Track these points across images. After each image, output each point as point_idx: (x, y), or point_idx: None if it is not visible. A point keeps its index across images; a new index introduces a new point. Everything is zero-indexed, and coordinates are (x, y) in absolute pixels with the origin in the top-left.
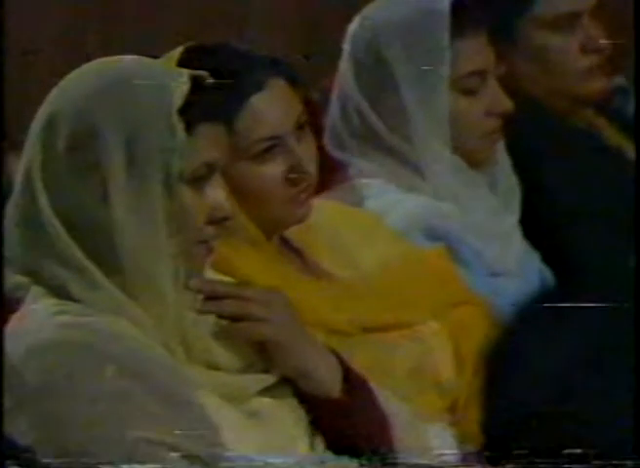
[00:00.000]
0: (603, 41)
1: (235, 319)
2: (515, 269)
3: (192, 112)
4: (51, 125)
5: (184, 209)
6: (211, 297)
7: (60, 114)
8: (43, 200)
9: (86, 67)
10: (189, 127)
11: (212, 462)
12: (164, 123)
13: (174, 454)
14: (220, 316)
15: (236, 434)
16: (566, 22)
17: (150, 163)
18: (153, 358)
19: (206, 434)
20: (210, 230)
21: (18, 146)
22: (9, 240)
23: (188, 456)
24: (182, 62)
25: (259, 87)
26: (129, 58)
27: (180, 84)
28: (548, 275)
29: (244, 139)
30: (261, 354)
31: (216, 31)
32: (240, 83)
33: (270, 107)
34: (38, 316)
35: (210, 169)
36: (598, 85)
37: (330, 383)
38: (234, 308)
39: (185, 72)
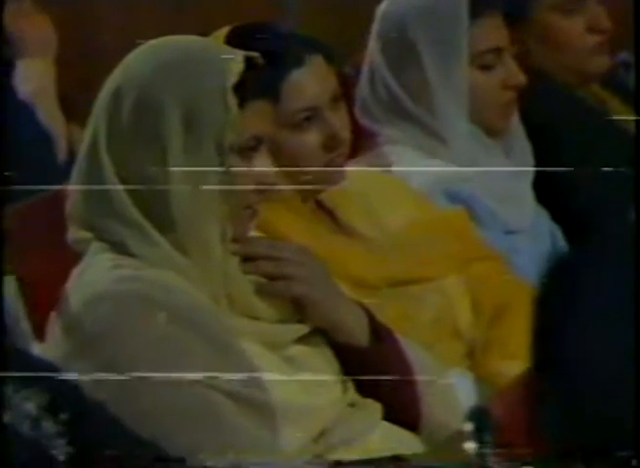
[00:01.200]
0: (606, 21)
1: (272, 278)
2: (528, 228)
3: (244, 89)
4: (116, 98)
5: (234, 175)
6: (250, 258)
7: (125, 88)
8: (107, 166)
9: (149, 45)
10: (241, 103)
11: (255, 403)
12: (219, 99)
13: (221, 396)
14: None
15: (275, 377)
16: (573, 5)
17: (205, 135)
18: (201, 308)
19: (252, 378)
20: (255, 196)
21: (82, 117)
22: (74, 200)
23: (234, 397)
24: (229, 41)
25: (299, 63)
26: (188, 38)
27: (235, 63)
28: (558, 233)
29: (285, 110)
30: (296, 307)
31: (259, 13)
32: (282, 60)
33: (309, 81)
34: (98, 269)
35: (258, 141)
36: (602, 61)
37: (358, 333)
38: (271, 268)
39: (240, 53)
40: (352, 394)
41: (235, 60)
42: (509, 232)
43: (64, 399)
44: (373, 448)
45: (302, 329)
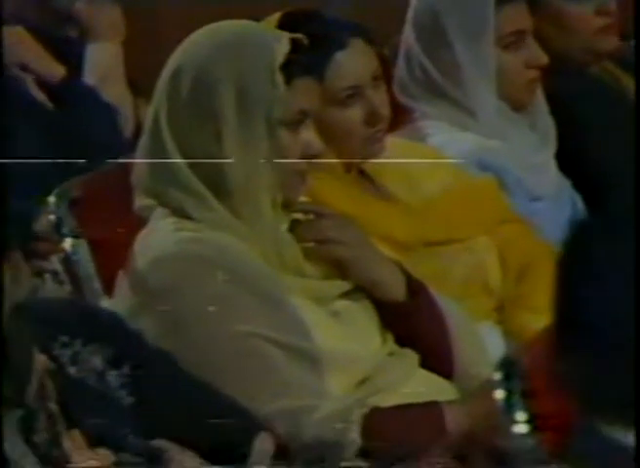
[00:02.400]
0: (614, 5)
1: (316, 242)
2: (551, 194)
3: (291, 68)
4: (176, 77)
5: (283, 147)
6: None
7: (184, 68)
8: (168, 139)
9: (206, 29)
10: (288, 80)
11: (304, 353)
12: (268, 77)
13: (273, 347)
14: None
15: (322, 330)
16: None
17: (256, 110)
18: (255, 266)
19: (299, 329)
20: (303, 164)
21: (148, 94)
22: (139, 171)
23: (285, 348)
24: (280, 26)
25: (342, 46)
26: (240, 22)
27: (281, 45)
28: (578, 200)
29: (330, 89)
30: (339, 267)
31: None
32: (327, 43)
33: (352, 62)
34: (161, 232)
35: (304, 115)
36: (611, 41)
37: (395, 289)
38: (316, 234)
39: (286, 35)
40: (391, 344)
41: (282, 42)
42: (534, 198)
43: (128, 352)
44: (410, 393)
45: (345, 285)
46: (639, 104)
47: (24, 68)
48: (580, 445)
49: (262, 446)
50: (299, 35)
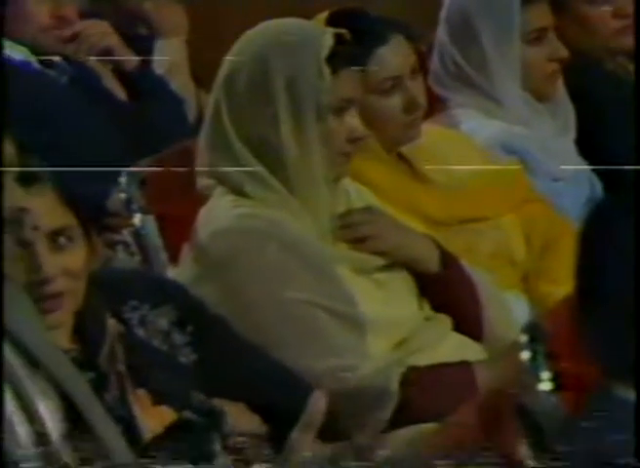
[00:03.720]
0: (630, 9)
1: (356, 241)
2: (571, 176)
3: (336, 60)
4: (234, 70)
5: (330, 130)
6: None
7: (242, 62)
8: (228, 125)
9: (260, 26)
10: (334, 71)
11: (348, 318)
12: (315, 68)
13: (322, 312)
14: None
15: (365, 297)
16: None
17: (306, 98)
18: (305, 239)
19: (345, 297)
20: (348, 147)
21: (208, 85)
22: (202, 154)
23: (332, 313)
24: (328, 23)
25: (384, 41)
26: (290, 20)
27: (326, 39)
28: (596, 181)
29: (373, 79)
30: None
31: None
32: (371, 38)
33: (392, 56)
34: (221, 208)
35: (348, 102)
36: (627, 41)
37: (430, 263)
38: (353, 233)
39: (330, 30)
40: (427, 310)
41: (327, 37)
42: (555, 179)
43: (190, 315)
44: (444, 354)
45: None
46: (639, 104)
47: (108, 54)
48: (597, 404)
49: (316, 404)
50: (342, 30)
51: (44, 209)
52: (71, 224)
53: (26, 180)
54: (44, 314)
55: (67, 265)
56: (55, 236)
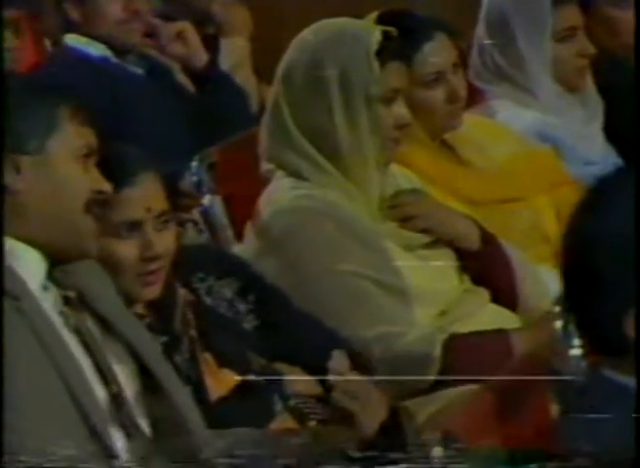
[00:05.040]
0: None
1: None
2: (600, 160)
3: (383, 54)
4: (292, 65)
5: (379, 118)
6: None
7: (298, 57)
8: (286, 115)
9: (314, 26)
10: (382, 64)
11: (395, 289)
12: (365, 62)
13: (371, 284)
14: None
15: (411, 270)
16: (627, 2)
17: (357, 88)
18: (357, 217)
19: (392, 270)
20: (396, 133)
21: (269, 79)
22: (264, 141)
23: (380, 285)
24: (379, 22)
25: (429, 38)
26: (341, 19)
27: (374, 36)
28: (622, 164)
29: (419, 73)
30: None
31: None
32: (417, 36)
33: (436, 52)
34: (281, 190)
35: (395, 92)
36: None
37: (470, 240)
38: (400, 213)
39: (378, 28)
40: (467, 283)
41: (374, 34)
42: (586, 164)
43: (252, 285)
44: (482, 322)
45: (428, 237)
46: (639, 104)
47: (182, 50)
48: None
49: (337, 361)
50: (389, 28)
51: (152, 193)
52: (168, 208)
53: (133, 167)
54: (145, 287)
55: (167, 245)
56: (159, 218)
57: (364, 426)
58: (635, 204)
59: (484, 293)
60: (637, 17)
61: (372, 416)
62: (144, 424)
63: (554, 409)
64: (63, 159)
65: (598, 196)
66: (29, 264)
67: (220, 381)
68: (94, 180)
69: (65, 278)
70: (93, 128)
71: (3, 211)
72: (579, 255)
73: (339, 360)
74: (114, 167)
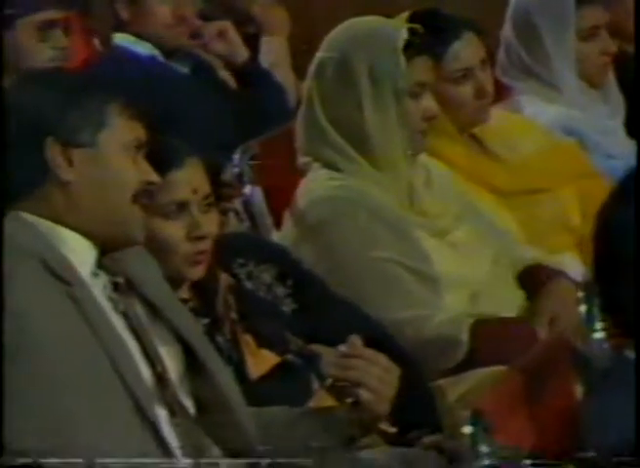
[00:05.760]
0: None
1: None
2: (621, 154)
3: (410, 50)
4: (324, 62)
5: (408, 111)
6: None
7: (329, 55)
8: (319, 109)
9: (344, 24)
10: (409, 59)
11: (425, 275)
12: (393, 57)
13: (402, 269)
14: None
15: (440, 256)
16: None
17: (385, 83)
18: (388, 206)
19: (422, 256)
20: (424, 125)
21: (303, 75)
22: (299, 135)
23: (411, 271)
24: (410, 21)
25: (458, 37)
26: (371, 18)
27: (401, 33)
28: None
29: (448, 69)
30: None
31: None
32: (447, 34)
33: (465, 50)
34: (316, 181)
35: (422, 86)
36: None
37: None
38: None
39: (405, 25)
40: (494, 268)
41: (402, 31)
42: (608, 157)
43: (290, 271)
44: (509, 308)
45: (459, 224)
46: (639, 103)
47: (225, 49)
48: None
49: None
50: (415, 25)
51: (197, 176)
52: (211, 191)
53: (178, 152)
54: (191, 266)
55: (211, 226)
56: (204, 200)
57: (372, 408)
58: (635, 204)
59: (511, 279)
60: (637, 17)
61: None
62: (188, 403)
63: (578, 390)
64: (113, 152)
65: (629, 187)
66: (80, 252)
67: (260, 361)
68: (143, 172)
69: (114, 265)
70: (142, 122)
71: (3, 209)
72: (608, 242)
73: (352, 342)
74: (162, 153)
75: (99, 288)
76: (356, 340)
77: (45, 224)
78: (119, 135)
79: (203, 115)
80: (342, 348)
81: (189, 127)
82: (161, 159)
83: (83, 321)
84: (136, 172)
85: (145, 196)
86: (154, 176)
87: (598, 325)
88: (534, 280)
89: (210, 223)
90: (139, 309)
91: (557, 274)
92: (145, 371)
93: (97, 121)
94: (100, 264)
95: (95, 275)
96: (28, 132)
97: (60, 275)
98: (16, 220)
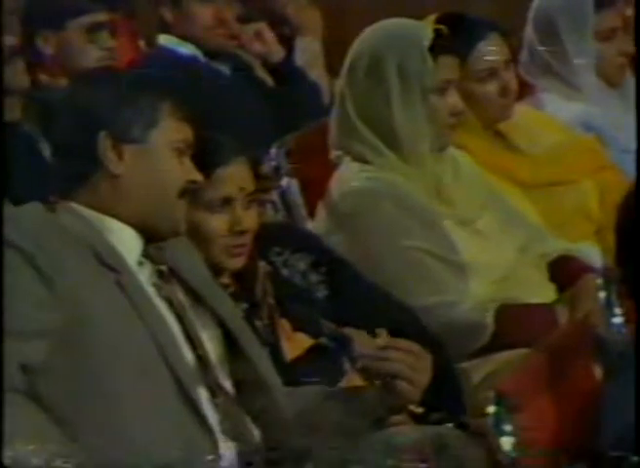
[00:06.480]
0: None
1: None
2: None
3: (437, 50)
4: (355, 61)
5: (434, 107)
6: None
7: (360, 54)
8: (350, 107)
9: (374, 26)
10: (435, 58)
11: (452, 262)
12: (420, 56)
13: (430, 257)
14: None
15: (466, 245)
16: None
17: (413, 80)
18: (416, 197)
19: (449, 244)
20: (451, 120)
21: (338, 74)
22: (332, 130)
23: (439, 258)
24: (438, 23)
25: (483, 38)
26: (400, 19)
27: (427, 33)
28: None
29: (474, 69)
30: None
31: (457, 5)
32: (472, 35)
33: (490, 50)
34: (348, 173)
35: (448, 83)
36: None
37: None
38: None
39: (431, 26)
40: (521, 256)
41: (427, 31)
42: (624, 151)
43: (323, 259)
44: (533, 294)
45: (484, 214)
46: (639, 103)
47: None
48: None
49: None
50: (441, 26)
51: (243, 174)
52: (255, 189)
53: (227, 151)
54: (232, 258)
55: (252, 222)
56: (247, 197)
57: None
58: (635, 203)
59: (536, 267)
60: (637, 17)
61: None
62: (227, 384)
63: (598, 373)
64: (162, 150)
65: None
66: (127, 242)
67: (295, 344)
68: (187, 171)
69: (159, 254)
70: (190, 124)
71: (3, 207)
72: (630, 232)
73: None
74: (210, 151)
75: (144, 275)
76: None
77: (95, 216)
78: (169, 134)
79: (243, 112)
80: (378, 341)
81: (231, 124)
82: (209, 157)
83: (130, 306)
84: (181, 171)
85: (190, 193)
86: (197, 176)
87: (617, 310)
88: (564, 272)
89: (251, 219)
90: (181, 296)
91: (586, 268)
92: (188, 354)
93: (149, 119)
94: (146, 253)
95: (140, 264)
96: (83, 126)
97: (109, 263)
98: (69, 212)
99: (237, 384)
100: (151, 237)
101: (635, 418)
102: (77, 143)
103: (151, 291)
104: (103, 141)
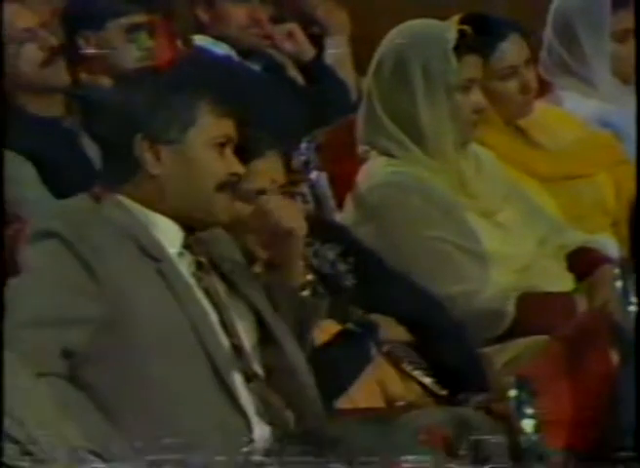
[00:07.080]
0: None
1: None
2: None
3: (460, 49)
4: (382, 60)
5: (458, 104)
6: None
7: (387, 53)
8: (377, 104)
9: (400, 26)
10: (459, 57)
11: (473, 252)
12: (444, 56)
13: (453, 248)
14: None
15: (488, 235)
16: None
17: (437, 79)
18: (440, 190)
19: (471, 235)
20: (474, 117)
21: (364, 72)
22: (359, 126)
23: (460, 248)
24: (461, 23)
25: (504, 37)
26: (424, 20)
27: (451, 33)
28: None
29: (496, 68)
30: None
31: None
32: (494, 35)
33: (511, 50)
34: (375, 167)
35: (471, 81)
36: None
37: None
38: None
39: (455, 27)
40: (541, 247)
41: (451, 31)
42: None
43: (351, 249)
44: (552, 284)
45: (505, 205)
46: (639, 104)
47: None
48: None
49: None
50: (464, 27)
51: (276, 167)
52: (287, 182)
53: (262, 145)
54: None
55: None
56: (279, 189)
57: None
58: (636, 203)
59: (555, 258)
60: (637, 17)
61: None
62: (260, 370)
63: (615, 358)
64: (200, 147)
65: None
66: (168, 233)
67: (324, 330)
68: (229, 164)
69: (198, 245)
70: (231, 119)
71: (4, 206)
72: None
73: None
74: (245, 144)
75: (184, 265)
76: None
77: (138, 209)
78: (208, 131)
79: (275, 109)
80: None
81: (264, 120)
82: (244, 150)
83: (170, 294)
84: (222, 164)
85: (231, 185)
86: (240, 168)
87: (633, 299)
88: (582, 262)
89: None
90: (218, 286)
91: (603, 259)
92: (224, 341)
93: (185, 119)
94: (186, 244)
95: (180, 254)
96: (122, 128)
97: (151, 253)
98: (114, 204)
99: (268, 370)
100: (191, 228)
101: (635, 418)
102: (117, 144)
103: (191, 280)
104: (140, 144)
